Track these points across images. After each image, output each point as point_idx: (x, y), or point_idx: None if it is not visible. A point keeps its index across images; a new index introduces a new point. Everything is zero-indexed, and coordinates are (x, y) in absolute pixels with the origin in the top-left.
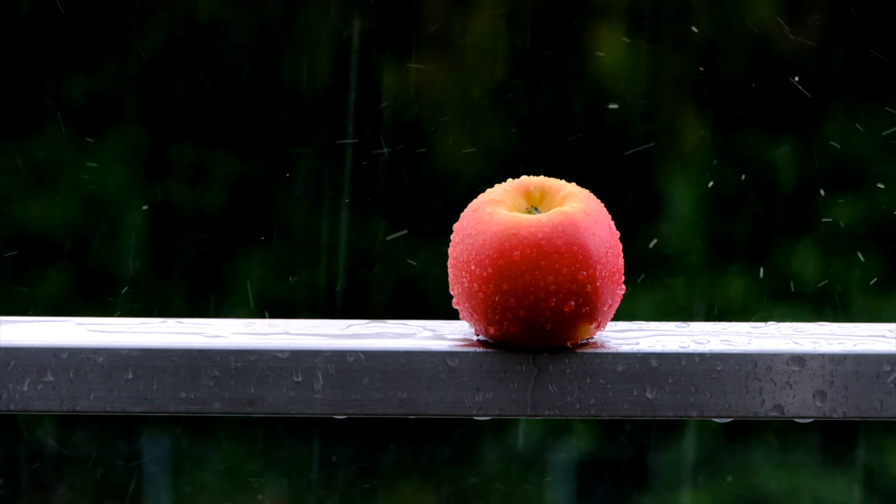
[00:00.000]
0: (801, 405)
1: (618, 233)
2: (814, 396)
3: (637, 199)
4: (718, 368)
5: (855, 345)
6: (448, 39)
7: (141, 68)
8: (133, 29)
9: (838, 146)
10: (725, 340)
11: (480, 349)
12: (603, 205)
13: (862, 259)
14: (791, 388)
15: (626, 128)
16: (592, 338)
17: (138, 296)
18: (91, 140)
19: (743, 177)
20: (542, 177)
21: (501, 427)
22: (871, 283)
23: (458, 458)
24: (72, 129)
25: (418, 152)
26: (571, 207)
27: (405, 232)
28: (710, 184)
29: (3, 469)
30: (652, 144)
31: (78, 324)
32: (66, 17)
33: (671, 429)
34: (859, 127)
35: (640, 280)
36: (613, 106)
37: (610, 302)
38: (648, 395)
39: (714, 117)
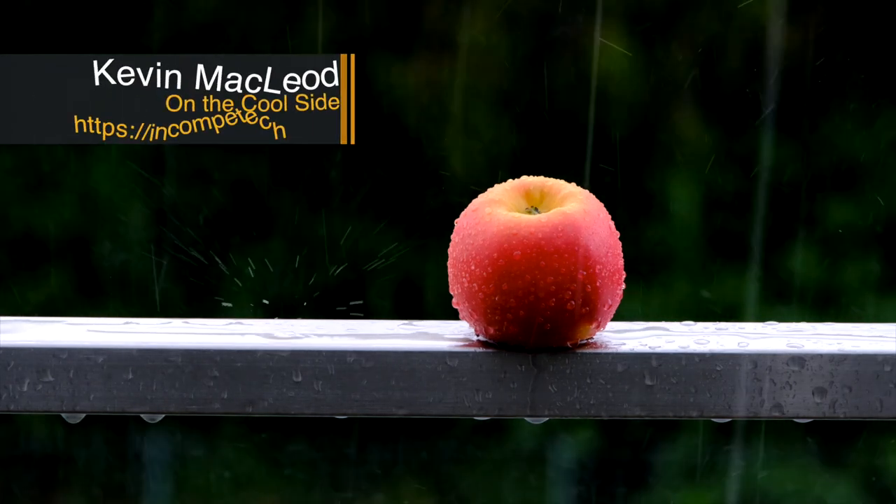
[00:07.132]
0: (801, 405)
1: (617, 233)
2: (814, 396)
3: (636, 198)
4: (718, 368)
5: (855, 345)
6: (448, 39)
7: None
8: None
9: (839, 146)
10: (725, 340)
11: (480, 349)
12: (603, 205)
13: (862, 259)
14: (791, 388)
15: (625, 127)
16: (592, 338)
17: (138, 296)
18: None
19: (743, 176)
20: (542, 177)
21: (501, 427)
22: (871, 283)
23: (457, 457)
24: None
25: (418, 152)
26: (571, 207)
27: (404, 232)
28: (710, 183)
29: (2, 469)
30: (651, 144)
31: (78, 324)
32: (65, 14)
33: (671, 429)
34: (860, 127)
35: (639, 280)
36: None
37: (610, 302)
38: (648, 396)
39: (714, 116)
